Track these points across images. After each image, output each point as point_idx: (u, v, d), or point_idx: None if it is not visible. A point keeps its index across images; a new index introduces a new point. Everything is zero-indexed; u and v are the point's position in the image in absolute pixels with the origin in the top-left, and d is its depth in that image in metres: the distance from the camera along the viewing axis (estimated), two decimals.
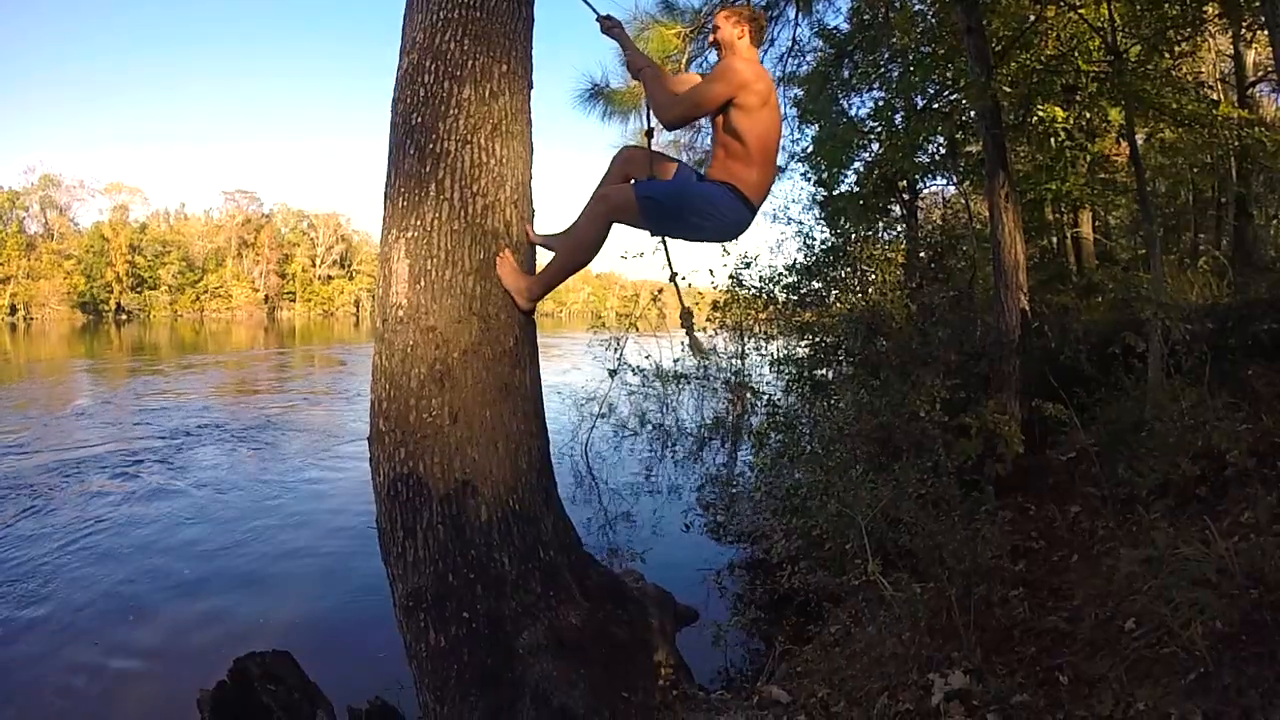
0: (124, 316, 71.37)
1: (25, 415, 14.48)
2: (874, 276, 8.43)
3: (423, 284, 2.66)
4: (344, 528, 7.43)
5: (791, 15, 6.83)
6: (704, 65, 6.44)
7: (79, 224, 76.63)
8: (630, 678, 2.92)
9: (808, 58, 9.20)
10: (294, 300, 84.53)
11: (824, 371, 7.90)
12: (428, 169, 2.72)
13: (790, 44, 7.38)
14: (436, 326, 2.65)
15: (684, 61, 6.07)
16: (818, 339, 8.09)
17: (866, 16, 8.70)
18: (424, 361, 2.63)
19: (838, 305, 8.49)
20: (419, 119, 2.78)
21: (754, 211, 2.93)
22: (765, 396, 8.68)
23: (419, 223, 2.68)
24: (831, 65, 8.78)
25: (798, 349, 9.15)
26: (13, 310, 66.39)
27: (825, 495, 4.94)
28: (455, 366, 2.65)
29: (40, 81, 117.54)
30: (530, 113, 3.09)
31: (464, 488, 2.66)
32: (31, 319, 65.13)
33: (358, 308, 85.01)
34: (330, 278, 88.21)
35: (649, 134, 3.28)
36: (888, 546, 4.21)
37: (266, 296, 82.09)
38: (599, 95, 6.02)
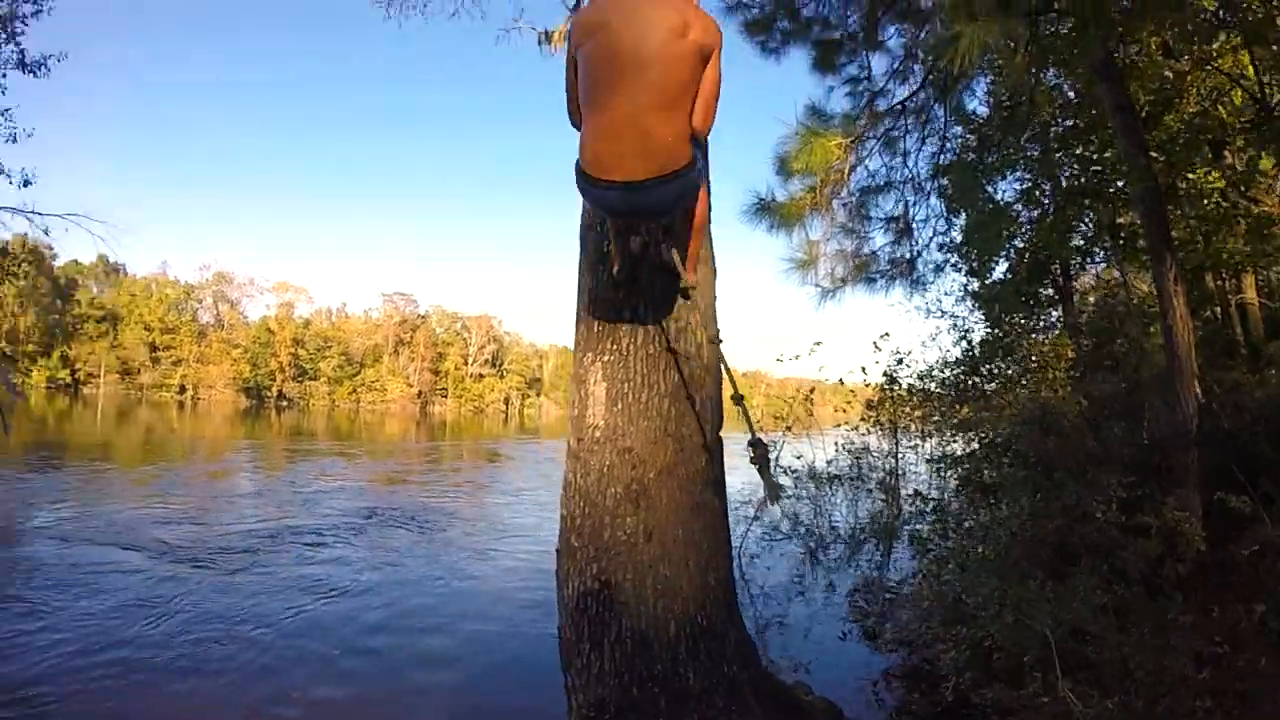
0: (284, 403, 77.24)
1: (199, 489, 15.79)
2: (1035, 369, 8.05)
3: (620, 406, 2.76)
4: (504, 621, 7.64)
5: (941, 115, 6.80)
6: (866, 175, 6.50)
7: (248, 317, 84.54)
8: None
9: (949, 145, 9.15)
10: (445, 396, 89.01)
11: (990, 471, 7.54)
12: (622, 295, 2.87)
13: (940, 144, 7.30)
14: (633, 447, 2.73)
15: (846, 172, 6.14)
16: (984, 437, 7.75)
17: (1005, 100, 8.59)
18: (620, 481, 2.71)
19: (1001, 400, 8.14)
20: (610, 246, 2.94)
21: (595, 185, 2.39)
22: (924, 498, 8.35)
23: (615, 347, 2.80)
24: (974, 151, 8.68)
25: (953, 444, 8.79)
26: (182, 390, 73.67)
27: (1001, 604, 4.70)
28: (651, 486, 2.72)
29: (216, 187, 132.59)
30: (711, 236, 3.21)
31: (655, 604, 2.70)
32: (198, 399, 71.82)
33: (507, 405, 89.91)
34: (482, 375, 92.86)
35: None
36: (1068, 658, 3.95)
37: (420, 391, 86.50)
38: (764, 210, 6.15)
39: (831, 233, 6.37)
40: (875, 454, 10.21)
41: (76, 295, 75.24)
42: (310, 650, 6.66)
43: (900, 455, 10.13)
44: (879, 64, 6.69)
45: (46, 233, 11.41)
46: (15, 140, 10.55)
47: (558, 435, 51.58)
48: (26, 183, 10.60)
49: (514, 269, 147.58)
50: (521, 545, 11.35)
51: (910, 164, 6.71)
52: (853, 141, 5.91)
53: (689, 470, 2.79)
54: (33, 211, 10.76)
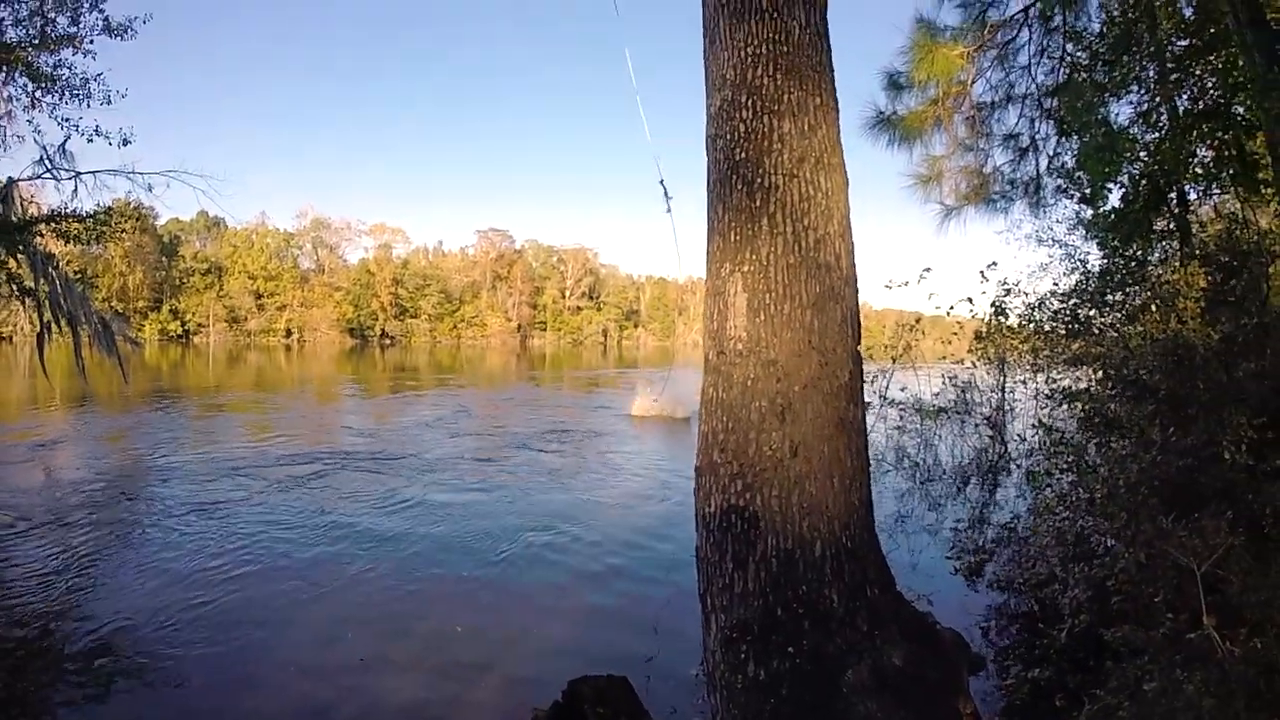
0: (388, 341, 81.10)
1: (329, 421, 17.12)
2: (1166, 298, 7.55)
3: (762, 318, 2.67)
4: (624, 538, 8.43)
5: (1059, 21, 6.26)
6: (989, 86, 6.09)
7: (347, 260, 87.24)
8: None
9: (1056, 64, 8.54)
10: (544, 329, 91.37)
11: (1114, 406, 7.19)
12: (758, 204, 2.75)
13: (1059, 58, 6.71)
14: (777, 360, 2.65)
15: (968, 83, 5.81)
16: (1111, 370, 7.37)
17: (1116, 13, 7.98)
18: (765, 395, 2.64)
19: (1127, 330, 7.67)
20: (743, 155, 2.81)
21: None
22: (1049, 429, 8.03)
23: (754, 257, 2.71)
24: (1086, 70, 8.10)
25: (1064, 379, 8.39)
26: (288, 334, 77.29)
27: (1133, 541, 4.51)
28: (796, 400, 2.64)
29: (311, 134, 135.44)
30: (841, 144, 3.07)
31: (801, 522, 2.64)
32: (304, 341, 75.54)
33: (605, 337, 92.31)
34: (579, 309, 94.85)
35: None
36: (1204, 599, 3.79)
37: (519, 325, 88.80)
38: (885, 123, 5.88)
39: (956, 150, 6.09)
40: (982, 389, 9.87)
41: (181, 251, 78.57)
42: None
43: (1010, 390, 9.76)
44: None
45: (150, 189, 11.33)
46: (110, 102, 10.47)
47: (655, 364, 52.31)
48: (125, 142, 10.50)
49: (608, 200, 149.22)
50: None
51: (1031, 76, 6.32)
52: (976, 49, 5.56)
53: (833, 385, 2.70)
54: (133, 172, 10.71)
